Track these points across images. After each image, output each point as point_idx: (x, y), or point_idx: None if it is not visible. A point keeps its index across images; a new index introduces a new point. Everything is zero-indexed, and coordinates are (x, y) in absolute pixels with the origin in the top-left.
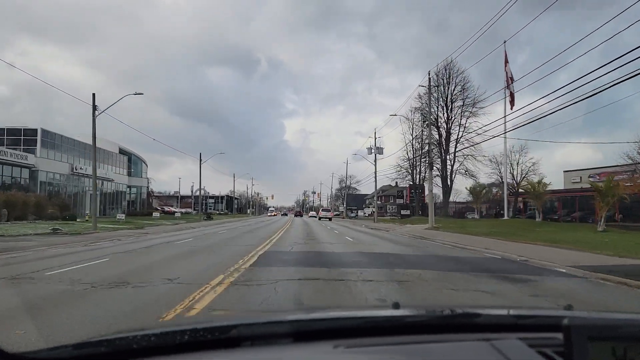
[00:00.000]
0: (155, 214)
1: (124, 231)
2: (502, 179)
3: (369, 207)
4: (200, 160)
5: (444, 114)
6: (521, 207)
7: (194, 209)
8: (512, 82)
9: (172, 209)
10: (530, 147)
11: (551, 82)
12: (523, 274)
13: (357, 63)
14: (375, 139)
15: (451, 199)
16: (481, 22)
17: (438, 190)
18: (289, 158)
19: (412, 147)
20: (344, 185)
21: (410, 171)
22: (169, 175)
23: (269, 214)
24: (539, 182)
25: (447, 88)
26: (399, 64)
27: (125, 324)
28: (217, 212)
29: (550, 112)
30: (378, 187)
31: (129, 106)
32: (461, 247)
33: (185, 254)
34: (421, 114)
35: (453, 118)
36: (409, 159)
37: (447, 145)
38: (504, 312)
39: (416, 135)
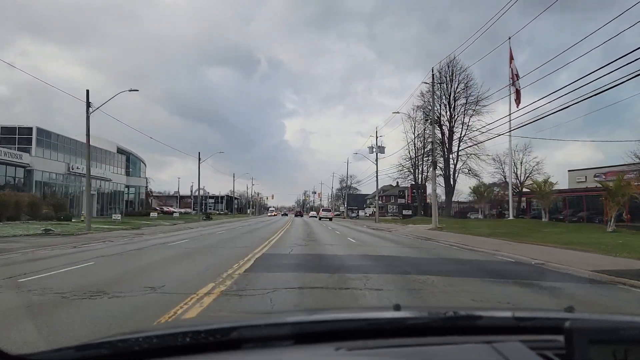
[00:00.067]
0: (153, 214)
1: (118, 232)
2: (505, 178)
3: (369, 207)
4: (199, 160)
5: (446, 112)
6: (524, 207)
7: (194, 209)
8: (517, 79)
9: (171, 209)
10: (533, 147)
11: (552, 81)
12: (545, 281)
13: (357, 63)
14: (377, 137)
15: (453, 198)
16: (481, 22)
17: (440, 190)
18: (289, 158)
19: (414, 146)
20: (344, 185)
21: (412, 170)
22: (169, 175)
23: (269, 214)
24: (546, 181)
25: (449, 86)
26: (399, 64)
27: None
28: (217, 212)
29: (552, 111)
30: (379, 187)
31: (129, 106)
32: (469, 248)
33: (176, 257)
34: (423, 112)
35: (456, 116)
36: (411, 158)
37: (450, 144)
38: (505, 314)
39: (418, 134)
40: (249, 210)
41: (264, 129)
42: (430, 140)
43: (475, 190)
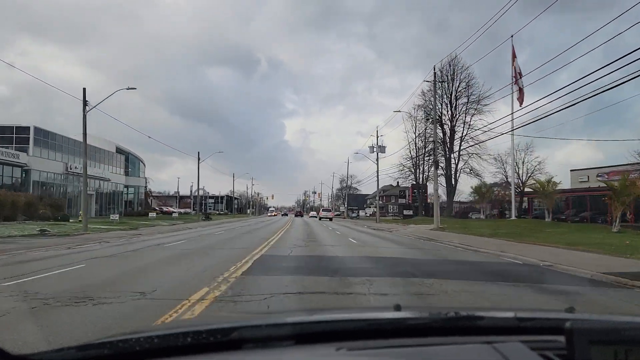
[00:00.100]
0: (152, 215)
1: (115, 232)
2: (507, 178)
3: (370, 207)
4: (199, 159)
5: (447, 111)
6: (526, 207)
7: (193, 209)
8: (520, 78)
9: (171, 209)
10: (534, 146)
11: (552, 81)
12: (558, 284)
13: (357, 63)
14: (377, 137)
15: (454, 199)
16: (481, 22)
17: (442, 190)
18: (289, 158)
19: (416, 146)
20: (344, 185)
21: (413, 170)
22: (169, 175)
23: (269, 214)
24: (549, 181)
25: (451, 85)
26: (399, 64)
27: None
28: (217, 213)
29: (553, 111)
30: (379, 187)
31: (129, 106)
32: (474, 249)
33: (171, 259)
34: (424, 111)
35: (457, 116)
36: (412, 158)
37: (452, 143)
38: (506, 314)
39: (419, 133)
40: (248, 211)
41: (264, 129)
42: (431, 139)
43: (477, 190)
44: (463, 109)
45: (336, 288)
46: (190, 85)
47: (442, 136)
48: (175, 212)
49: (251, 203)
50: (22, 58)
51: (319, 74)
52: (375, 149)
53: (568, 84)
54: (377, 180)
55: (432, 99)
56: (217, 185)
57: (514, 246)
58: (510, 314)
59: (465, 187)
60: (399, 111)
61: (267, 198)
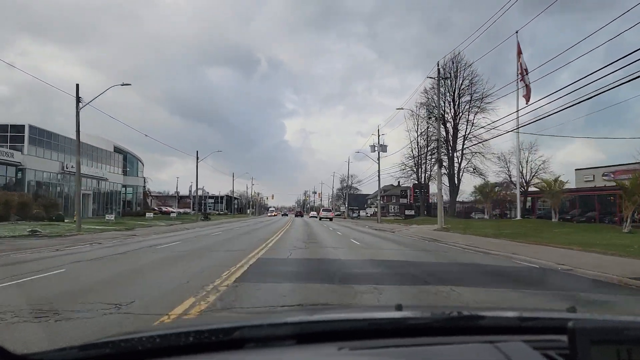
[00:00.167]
0: (149, 215)
1: (110, 233)
2: (510, 177)
3: (370, 207)
4: (197, 159)
5: (450, 109)
6: (529, 206)
7: (192, 209)
8: (527, 74)
9: (170, 209)
10: (538, 145)
11: (553, 81)
12: (587, 292)
13: (357, 63)
14: (379, 136)
15: (456, 198)
16: (481, 22)
17: (444, 190)
18: (290, 158)
19: (418, 145)
20: (345, 185)
21: (415, 169)
22: (169, 175)
23: (269, 214)
24: (556, 180)
25: (454, 82)
26: (399, 64)
27: None
28: (217, 213)
29: (555, 111)
30: (380, 187)
31: (129, 106)
32: (483, 251)
33: (161, 263)
34: (427, 109)
35: (460, 114)
36: (413, 157)
37: (455, 142)
38: (508, 314)
39: (422, 132)
40: (248, 211)
41: (264, 129)
42: (433, 138)
43: (481, 190)
44: (466, 107)
45: (341, 298)
46: (190, 85)
47: (445, 135)
48: (173, 212)
49: (251, 203)
50: (22, 58)
51: (319, 74)
52: (376, 148)
53: (569, 84)
54: (379, 180)
55: (434, 96)
56: (217, 185)
57: (525, 248)
58: (512, 314)
59: (465, 187)
60: (402, 108)
61: (267, 198)
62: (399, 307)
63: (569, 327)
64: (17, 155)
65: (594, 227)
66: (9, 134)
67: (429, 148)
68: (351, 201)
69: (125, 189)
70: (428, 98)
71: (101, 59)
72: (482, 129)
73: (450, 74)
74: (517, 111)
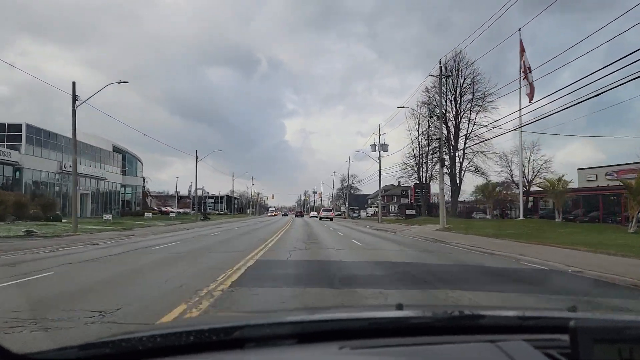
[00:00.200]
0: (148, 215)
1: (107, 233)
2: (512, 177)
3: (371, 207)
4: (197, 158)
5: (452, 108)
6: (531, 206)
7: (192, 209)
8: (530, 72)
9: (169, 209)
10: (540, 144)
11: (553, 81)
12: (608, 297)
13: (357, 63)
14: (380, 135)
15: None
16: (481, 22)
17: (446, 189)
18: (290, 158)
19: (419, 144)
20: (345, 185)
21: (416, 169)
22: (169, 175)
23: (269, 214)
24: (560, 179)
25: (455, 81)
26: (399, 64)
27: None
28: (217, 212)
29: (555, 111)
30: (381, 187)
31: (129, 106)
32: (489, 252)
33: (154, 265)
34: (428, 108)
35: (462, 113)
36: (415, 156)
37: (456, 141)
38: (509, 313)
39: (423, 131)
40: (248, 211)
41: (264, 129)
42: (435, 137)
43: (483, 189)
44: (468, 106)
45: (345, 305)
46: (190, 85)
47: (446, 134)
48: (173, 212)
49: (251, 203)
50: (22, 58)
51: (319, 74)
52: (377, 147)
53: (569, 83)
54: (380, 179)
55: (436, 95)
56: (217, 185)
57: (530, 248)
58: (513, 313)
59: (466, 187)
60: (403, 107)
61: (267, 198)
62: (399, 307)
63: (570, 326)
64: (14, 154)
65: (598, 227)
66: (6, 133)
67: (430, 147)
68: (351, 201)
69: (125, 189)
70: (429, 97)
71: (101, 59)
72: (484, 128)
73: (451, 72)
74: (520, 109)
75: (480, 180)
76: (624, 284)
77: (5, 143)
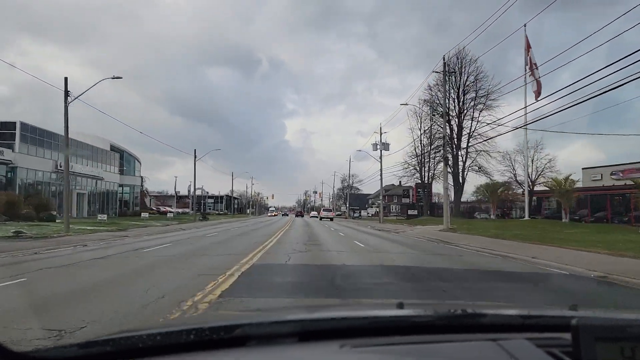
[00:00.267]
0: (144, 215)
1: (100, 234)
2: (516, 176)
3: (371, 207)
4: (195, 157)
5: (455, 106)
6: (534, 206)
7: (191, 209)
8: (536, 68)
9: (168, 209)
10: (544, 144)
11: (554, 81)
12: None
13: (357, 63)
14: (381, 134)
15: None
16: (481, 22)
17: (448, 189)
18: (290, 158)
19: (421, 143)
20: (346, 184)
21: (418, 168)
22: (170, 175)
23: (269, 214)
24: (566, 178)
25: (458, 79)
26: (400, 64)
27: None
28: (217, 212)
29: (556, 111)
30: (382, 186)
31: (129, 106)
32: (501, 255)
33: (140, 270)
34: (431, 106)
35: (465, 111)
36: (417, 156)
37: (459, 140)
38: (510, 312)
39: (425, 130)
40: (248, 211)
41: (264, 129)
42: (437, 136)
43: (486, 189)
44: (471, 104)
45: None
46: (190, 85)
47: (449, 132)
48: (171, 212)
49: (251, 203)
50: (22, 58)
51: (320, 73)
52: (378, 146)
53: (571, 83)
54: (381, 179)
55: (439, 93)
56: (217, 185)
57: (543, 250)
58: (515, 312)
59: (467, 187)
60: (406, 104)
61: (267, 198)
62: (400, 305)
63: (572, 325)
64: (7, 153)
65: (607, 227)
66: None
67: (432, 146)
68: (352, 201)
69: (122, 189)
70: (432, 95)
71: (101, 59)
72: (487, 126)
73: (454, 70)
74: (525, 107)
75: (482, 180)
76: None
77: None
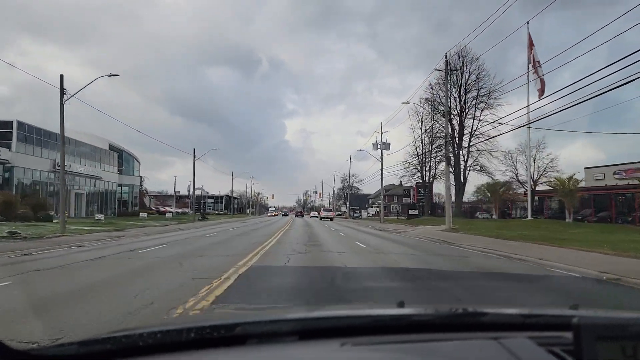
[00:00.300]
0: (143, 215)
1: (97, 234)
2: (517, 176)
3: (372, 207)
4: (194, 157)
5: (456, 105)
6: (536, 205)
7: (191, 209)
8: (540, 66)
9: (167, 209)
10: (547, 143)
11: (554, 81)
12: None
13: (357, 63)
14: (382, 133)
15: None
16: (481, 22)
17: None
18: (290, 158)
19: (422, 142)
20: (346, 184)
21: (419, 168)
22: (170, 175)
23: (269, 214)
24: (570, 178)
25: (460, 77)
26: (400, 64)
27: None
28: (216, 212)
29: (556, 110)
30: (383, 186)
31: (129, 106)
32: (506, 256)
33: (132, 273)
34: (432, 105)
35: (467, 110)
36: (418, 155)
37: (460, 139)
38: (511, 311)
39: (426, 129)
40: (248, 211)
41: (264, 129)
42: (439, 135)
43: (488, 188)
44: (472, 103)
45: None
46: (190, 85)
47: (450, 131)
48: (170, 212)
49: (251, 203)
50: (22, 58)
51: (320, 73)
52: (379, 146)
53: (571, 83)
54: (382, 178)
55: (440, 92)
56: (217, 185)
57: (550, 251)
58: (516, 311)
59: (467, 186)
60: (408, 102)
61: (267, 198)
62: (401, 304)
63: (573, 323)
64: (4, 152)
65: (611, 227)
66: None
67: (433, 145)
68: (352, 201)
69: (121, 188)
70: (433, 93)
71: (101, 59)
72: (489, 125)
73: (456, 68)
74: (528, 106)
75: (483, 180)
76: None
77: None
